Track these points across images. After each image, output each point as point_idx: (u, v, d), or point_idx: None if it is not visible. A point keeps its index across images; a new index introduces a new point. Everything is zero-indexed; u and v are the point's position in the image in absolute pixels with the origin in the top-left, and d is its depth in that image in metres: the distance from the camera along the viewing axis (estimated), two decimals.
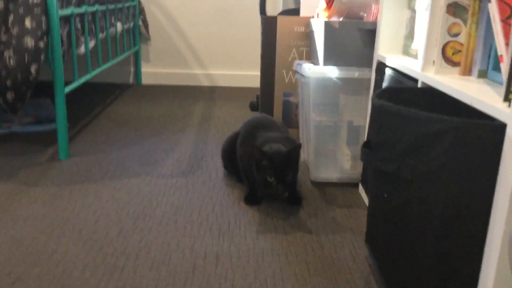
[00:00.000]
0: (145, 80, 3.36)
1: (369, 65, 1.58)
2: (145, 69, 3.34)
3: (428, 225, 0.89)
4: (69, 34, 1.88)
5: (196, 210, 1.44)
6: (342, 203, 1.53)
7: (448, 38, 1.12)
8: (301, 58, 2.07)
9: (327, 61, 1.66)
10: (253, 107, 2.64)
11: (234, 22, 3.24)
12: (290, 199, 1.50)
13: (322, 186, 1.65)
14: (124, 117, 2.45)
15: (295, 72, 1.87)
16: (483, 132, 0.80)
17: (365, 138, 1.33)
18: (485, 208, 0.82)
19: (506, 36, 0.85)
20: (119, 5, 2.65)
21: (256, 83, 3.31)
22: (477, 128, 0.80)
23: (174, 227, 1.34)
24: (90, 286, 1.07)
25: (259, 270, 1.15)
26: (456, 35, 1.11)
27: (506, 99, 0.79)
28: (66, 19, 1.84)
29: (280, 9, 2.82)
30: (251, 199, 1.50)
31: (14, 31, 1.64)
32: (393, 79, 1.34)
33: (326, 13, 1.85)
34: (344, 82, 1.61)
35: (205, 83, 3.36)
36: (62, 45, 1.77)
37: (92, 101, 2.80)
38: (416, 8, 1.35)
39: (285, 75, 2.09)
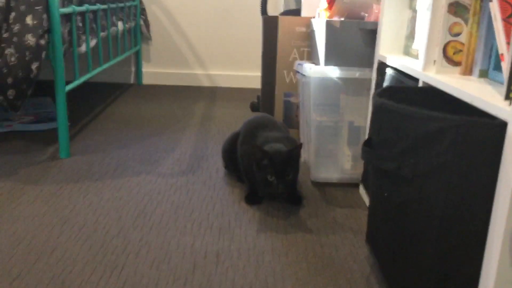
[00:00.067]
0: (146, 80, 3.36)
1: (370, 65, 1.58)
2: (146, 69, 3.35)
3: (429, 224, 0.89)
4: (70, 32, 1.88)
5: (196, 209, 1.44)
6: (343, 203, 1.53)
7: (449, 38, 1.12)
8: (302, 59, 2.07)
9: (328, 61, 1.66)
10: (254, 107, 2.64)
11: (235, 22, 3.24)
12: (291, 198, 1.50)
13: (322, 186, 1.65)
14: (124, 117, 2.45)
15: (296, 72, 1.87)
16: (484, 131, 0.80)
17: (366, 137, 1.33)
18: (486, 207, 0.82)
19: (507, 35, 0.85)
20: (121, 5, 2.65)
21: (257, 84, 3.32)
22: (478, 126, 0.81)
23: (175, 226, 1.34)
24: (90, 283, 1.07)
25: (259, 269, 1.15)
26: (457, 34, 1.11)
27: (507, 97, 0.79)
28: (67, 17, 1.84)
29: (281, 9, 2.82)
30: (252, 198, 1.50)
31: (15, 28, 1.64)
32: (394, 78, 1.34)
33: (327, 13, 1.85)
34: (345, 82, 1.61)
35: (206, 83, 3.36)
36: (63, 44, 1.77)
37: (92, 100, 2.81)
38: (417, 8, 1.35)
39: (286, 75, 2.09)
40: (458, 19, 1.10)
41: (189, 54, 3.31)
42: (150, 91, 3.11)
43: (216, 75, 3.34)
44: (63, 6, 1.80)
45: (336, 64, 1.65)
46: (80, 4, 1.99)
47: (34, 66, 1.66)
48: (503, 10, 0.86)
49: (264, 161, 1.36)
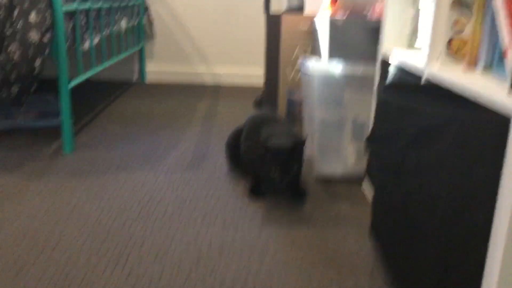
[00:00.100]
0: (149, 78, 3.37)
1: (374, 62, 1.59)
2: (149, 67, 3.35)
3: (432, 217, 0.89)
4: (73, 29, 1.89)
5: (200, 204, 1.45)
6: (346, 198, 1.53)
7: (453, 34, 1.12)
8: (305, 56, 2.07)
9: (331, 59, 1.67)
10: (258, 104, 2.64)
11: (238, 20, 3.25)
12: (294, 193, 1.51)
13: (326, 182, 1.66)
14: (128, 114, 2.46)
15: (300, 69, 1.88)
16: (487, 125, 0.81)
17: (370, 131, 1.34)
18: (490, 200, 0.82)
19: (511, 31, 0.86)
20: (124, 3, 2.66)
21: (260, 82, 3.32)
22: (481, 121, 0.81)
23: (178, 219, 1.35)
24: (95, 274, 1.08)
25: (263, 261, 1.16)
26: (461, 30, 1.12)
27: (511, 91, 0.79)
28: (70, 15, 1.85)
29: (284, 7, 2.83)
30: (255, 193, 1.51)
31: (19, 25, 1.65)
32: (397, 75, 1.35)
33: (331, 10, 1.86)
34: (349, 79, 1.62)
35: (209, 81, 3.37)
36: (66, 41, 1.78)
37: (96, 98, 2.81)
38: (420, 6, 1.36)
39: (289, 73, 2.10)
40: (462, 15, 1.10)
41: (193, 52, 3.32)
42: (153, 89, 3.12)
43: (220, 73, 3.35)
44: (67, 3, 1.81)
45: (339, 61, 1.65)
46: (83, 2, 2.00)
47: (37, 62, 1.67)
48: (507, 5, 0.87)
49: (267, 156, 1.37)
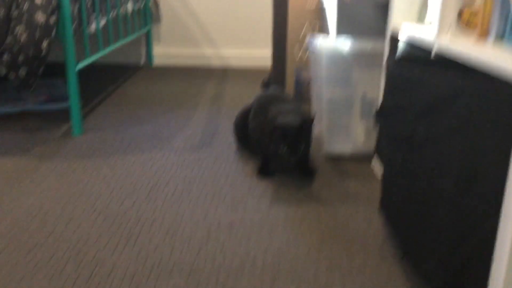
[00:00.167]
0: (157, 61, 3.36)
1: (382, 38, 1.56)
2: (156, 50, 3.34)
3: (443, 189, 0.88)
4: (79, 11, 1.88)
5: (209, 183, 1.45)
6: (356, 176, 1.52)
7: (463, 5, 1.10)
8: (313, 33, 2.05)
9: (339, 35, 1.64)
10: (265, 85, 2.63)
11: (246, 0, 3.21)
12: (303, 171, 1.50)
13: (335, 160, 1.65)
14: (136, 96, 2.46)
15: (308, 47, 1.86)
16: (499, 95, 0.79)
17: (380, 106, 1.32)
18: (501, 170, 0.81)
19: None
20: None
21: (268, 64, 3.30)
22: (493, 91, 0.79)
23: (188, 198, 1.35)
24: (106, 251, 1.08)
25: (273, 237, 1.16)
26: (472, 1, 1.09)
27: None
28: None
29: None
30: (264, 171, 1.51)
31: (25, 6, 1.64)
32: (406, 50, 1.33)
33: None
34: (357, 56, 1.60)
35: (217, 64, 3.35)
36: (72, 22, 1.77)
37: (104, 82, 2.81)
38: None
39: (297, 52, 2.08)
40: None
41: (200, 34, 3.30)
42: (161, 72, 3.11)
43: (227, 55, 3.33)
44: None
45: (347, 37, 1.63)
46: None
47: (44, 44, 1.67)
48: None
49: (276, 134, 1.36)
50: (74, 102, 1.81)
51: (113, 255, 1.08)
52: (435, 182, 0.90)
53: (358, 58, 1.60)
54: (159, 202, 1.32)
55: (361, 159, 1.65)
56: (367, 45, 1.58)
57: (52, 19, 1.67)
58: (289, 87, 2.12)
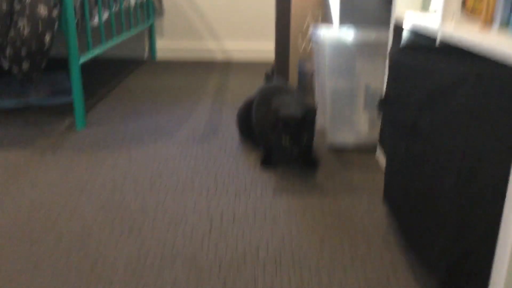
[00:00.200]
0: (160, 55, 3.35)
1: (386, 28, 1.55)
2: (159, 44, 3.33)
3: (447, 177, 0.87)
4: (82, 5, 1.88)
5: (212, 174, 1.45)
6: (359, 167, 1.51)
7: None
8: (316, 23, 2.04)
9: (343, 25, 1.63)
10: (268, 77, 2.62)
11: None
12: (307, 162, 1.50)
13: (339, 151, 1.64)
14: (139, 91, 2.46)
15: (311, 38, 1.85)
16: (504, 81, 0.78)
17: (383, 95, 1.31)
18: (506, 158, 0.80)
19: None
20: None
21: (271, 57, 3.29)
22: (498, 77, 0.78)
23: (191, 190, 1.35)
24: (109, 242, 1.08)
25: (276, 228, 1.15)
26: None
27: None
28: None
29: None
30: (267, 162, 1.50)
31: (27, 0, 1.64)
32: (411, 39, 1.31)
33: None
34: (361, 47, 1.58)
35: (220, 57, 3.34)
36: (75, 16, 1.76)
37: (107, 76, 2.81)
38: None
39: (300, 42, 2.06)
40: None
41: (203, 27, 3.29)
42: (164, 66, 3.11)
43: (230, 48, 3.32)
44: None
45: (350, 26, 1.61)
46: None
47: (47, 38, 1.66)
48: None
49: (279, 125, 1.35)
50: (77, 95, 1.81)
51: (116, 246, 1.08)
52: (439, 170, 0.89)
53: (361, 49, 1.58)
54: (162, 194, 1.32)
55: (365, 150, 1.65)
56: (371, 35, 1.56)
57: (55, 12, 1.66)
58: (292, 79, 2.11)
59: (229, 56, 3.33)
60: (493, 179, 0.83)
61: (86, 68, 2.91)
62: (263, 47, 3.30)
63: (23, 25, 1.63)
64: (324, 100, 1.69)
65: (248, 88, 2.50)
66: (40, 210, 1.24)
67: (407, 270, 1.01)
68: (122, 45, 3.32)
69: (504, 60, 0.80)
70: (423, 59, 0.97)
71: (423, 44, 1.13)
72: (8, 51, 1.65)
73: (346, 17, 1.62)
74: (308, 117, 1.37)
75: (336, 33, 1.59)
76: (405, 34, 1.34)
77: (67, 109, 2.09)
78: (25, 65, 1.67)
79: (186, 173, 1.46)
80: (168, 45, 3.34)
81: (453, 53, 1.07)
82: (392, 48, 1.23)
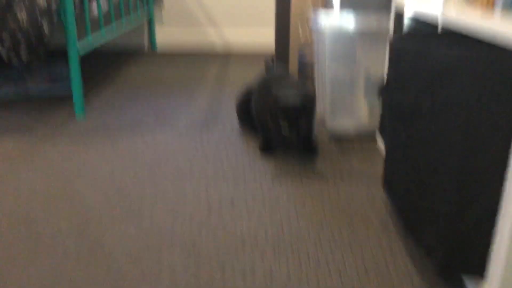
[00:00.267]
0: (160, 47, 3.34)
1: (386, 12, 1.54)
2: (159, 36, 3.32)
3: (447, 159, 0.87)
4: None
5: (210, 160, 1.44)
6: (359, 153, 1.51)
7: None
8: (316, 8, 2.02)
9: (343, 8, 1.62)
10: (268, 64, 2.61)
11: None
12: (306, 148, 1.49)
13: (339, 138, 1.64)
14: (139, 81, 2.45)
15: (311, 24, 1.84)
16: (505, 64, 0.77)
17: (384, 82, 1.30)
18: (506, 140, 0.79)
19: None
20: None
21: (271, 45, 3.28)
22: (499, 60, 0.78)
23: (190, 177, 1.34)
24: (108, 229, 1.08)
25: (274, 213, 1.15)
26: None
27: None
28: None
29: None
30: (266, 148, 1.50)
31: None
32: (412, 25, 1.30)
33: None
34: (361, 34, 1.57)
35: (220, 47, 3.33)
36: (74, 6, 1.75)
37: (107, 67, 2.80)
38: None
39: (300, 30, 2.05)
40: None
41: (203, 17, 3.27)
42: (164, 57, 3.10)
43: (231, 37, 3.30)
44: None
45: (351, 12, 1.60)
46: None
47: (46, 28, 1.66)
48: None
49: (278, 111, 1.34)
50: (75, 85, 1.80)
51: (116, 232, 1.08)
52: (438, 154, 0.88)
53: (361, 36, 1.57)
54: (161, 180, 1.32)
55: (365, 137, 1.64)
56: (371, 22, 1.55)
57: (54, 2, 1.66)
58: (292, 66, 2.10)
59: (229, 45, 3.32)
60: (493, 162, 0.82)
61: (86, 59, 2.90)
62: (264, 39, 3.29)
63: (22, 15, 1.63)
64: (324, 88, 1.68)
65: (248, 76, 2.49)
66: (39, 194, 1.23)
67: (405, 255, 1.01)
68: (122, 37, 3.31)
69: (506, 44, 0.79)
70: (424, 45, 0.96)
71: (424, 30, 1.12)
72: (7, 41, 1.64)
73: (347, 2, 1.60)
74: (307, 105, 1.36)
75: (336, 19, 1.57)
76: (406, 21, 1.33)
77: (66, 99, 2.08)
78: (24, 55, 1.66)
79: (185, 159, 1.45)
80: (168, 37, 3.33)
81: (455, 38, 1.06)
82: (393, 34, 1.23)
